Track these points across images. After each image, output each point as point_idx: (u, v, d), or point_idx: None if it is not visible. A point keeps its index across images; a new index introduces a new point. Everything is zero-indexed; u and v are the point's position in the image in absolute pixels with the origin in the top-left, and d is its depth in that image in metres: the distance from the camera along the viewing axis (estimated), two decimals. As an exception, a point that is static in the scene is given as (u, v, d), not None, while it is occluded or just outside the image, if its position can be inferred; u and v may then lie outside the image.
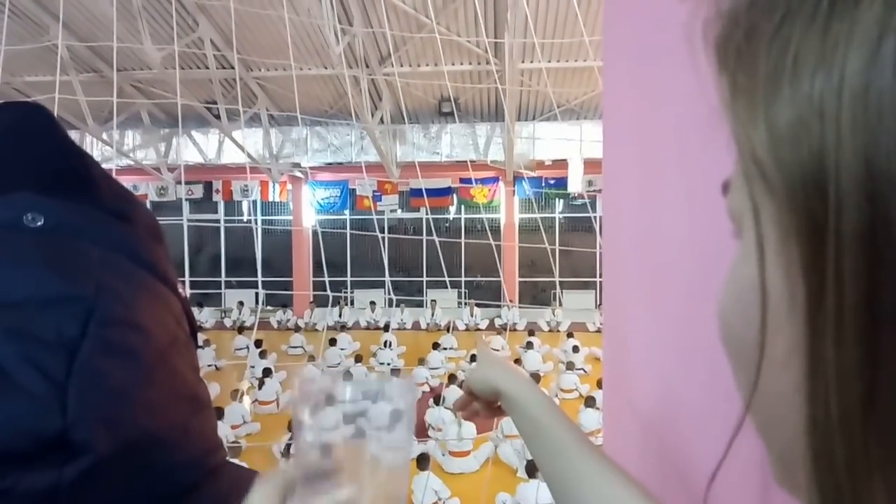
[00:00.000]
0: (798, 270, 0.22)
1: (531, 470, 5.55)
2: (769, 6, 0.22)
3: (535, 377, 9.38)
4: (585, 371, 10.37)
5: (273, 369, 9.39)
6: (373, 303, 15.65)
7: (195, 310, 10.96)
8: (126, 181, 16.13)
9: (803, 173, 0.20)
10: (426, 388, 9.58)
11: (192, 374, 0.51)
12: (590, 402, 7.08)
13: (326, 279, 10.84)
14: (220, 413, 7.53)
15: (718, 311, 0.28)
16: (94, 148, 14.27)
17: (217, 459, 0.54)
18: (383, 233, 14.91)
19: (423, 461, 5.98)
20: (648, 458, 0.97)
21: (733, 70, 0.24)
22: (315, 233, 16.30)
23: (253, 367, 10.47)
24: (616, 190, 1.07)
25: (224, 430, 7.30)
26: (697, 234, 0.72)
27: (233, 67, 11.88)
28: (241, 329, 13.05)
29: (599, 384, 8.65)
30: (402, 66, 11.61)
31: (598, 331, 13.66)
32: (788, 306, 0.22)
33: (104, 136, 13.21)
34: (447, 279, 15.63)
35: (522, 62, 11.78)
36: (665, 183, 0.84)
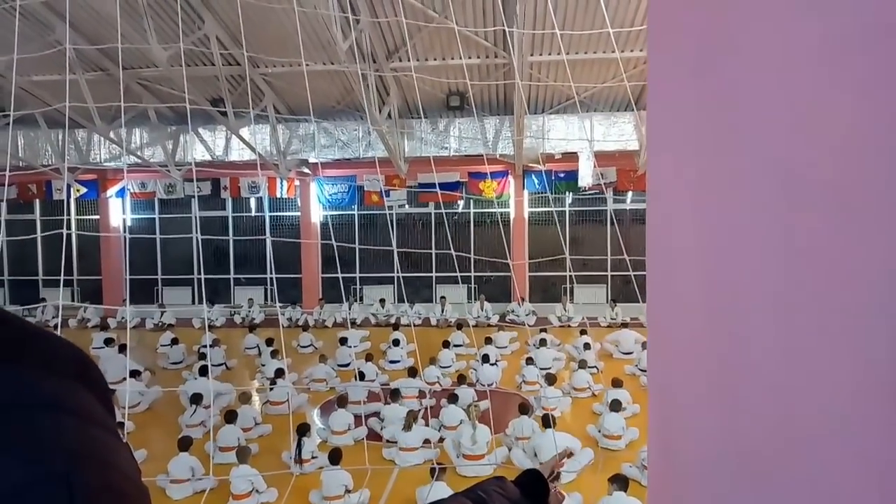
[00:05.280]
0: None
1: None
2: None
3: (550, 376, 9.29)
4: (598, 369, 10.26)
5: (286, 370, 9.33)
6: (382, 300, 15.57)
7: (206, 306, 10.92)
8: (134, 179, 16.15)
9: None
10: (437, 388, 9.49)
11: None
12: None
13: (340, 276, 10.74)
14: (232, 416, 7.49)
15: None
16: (102, 147, 14.24)
17: None
18: (391, 228, 14.79)
19: (439, 472, 5.85)
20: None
21: None
22: (325, 227, 16.22)
23: (264, 365, 10.41)
24: (665, 200, 0.96)
25: (236, 433, 7.24)
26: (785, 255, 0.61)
27: (238, 64, 11.78)
28: (251, 327, 13.01)
29: (614, 383, 8.53)
30: (409, 60, 11.46)
31: (610, 326, 13.54)
32: None
33: (111, 134, 13.16)
34: (458, 274, 15.53)
35: (532, 55, 11.62)
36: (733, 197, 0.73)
